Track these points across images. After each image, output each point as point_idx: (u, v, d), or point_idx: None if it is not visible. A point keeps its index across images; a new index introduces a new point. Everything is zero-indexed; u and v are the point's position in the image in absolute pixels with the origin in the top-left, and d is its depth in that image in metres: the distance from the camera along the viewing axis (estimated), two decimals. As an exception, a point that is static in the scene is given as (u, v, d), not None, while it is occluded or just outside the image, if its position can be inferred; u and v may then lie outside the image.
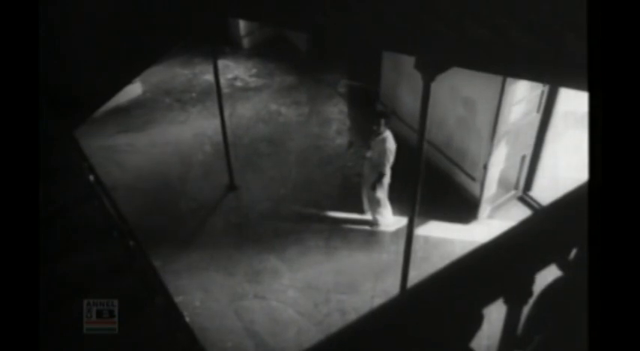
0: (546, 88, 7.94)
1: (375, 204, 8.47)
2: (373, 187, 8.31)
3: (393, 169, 8.17)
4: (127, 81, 8.37)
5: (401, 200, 8.23)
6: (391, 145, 7.99)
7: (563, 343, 3.78)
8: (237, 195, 9.11)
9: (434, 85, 5.51)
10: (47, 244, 3.11)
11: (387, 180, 8.26)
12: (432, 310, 3.14)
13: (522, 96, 7.82)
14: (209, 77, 10.26)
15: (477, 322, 3.30)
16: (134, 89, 10.34)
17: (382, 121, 8.00)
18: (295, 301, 7.90)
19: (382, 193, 8.37)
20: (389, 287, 7.82)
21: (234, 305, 7.87)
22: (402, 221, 8.24)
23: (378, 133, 8.03)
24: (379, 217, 8.58)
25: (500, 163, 8.31)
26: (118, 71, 5.97)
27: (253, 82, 10.85)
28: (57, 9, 4.80)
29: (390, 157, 8.02)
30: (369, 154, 8.32)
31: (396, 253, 8.20)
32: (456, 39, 4.52)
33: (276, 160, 9.56)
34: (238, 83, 10.81)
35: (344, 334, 3.14)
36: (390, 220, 8.64)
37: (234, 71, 11.00)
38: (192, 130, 10.02)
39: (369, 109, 9.95)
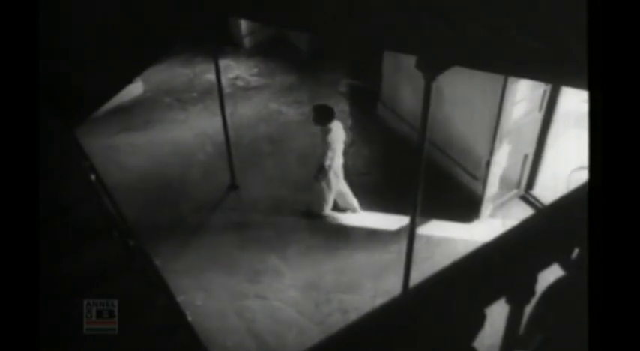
0: (548, 88, 7.93)
1: (317, 196, 8.44)
2: (315, 178, 8.26)
3: (393, 167, 8.15)
4: (128, 80, 8.38)
5: (403, 199, 8.21)
6: (332, 137, 7.96)
7: (565, 343, 3.78)
8: (238, 194, 9.11)
9: (436, 85, 5.50)
10: (47, 244, 3.11)
11: (338, 171, 8.22)
12: (434, 309, 3.14)
13: (524, 95, 7.81)
14: (210, 76, 10.26)
15: (479, 321, 3.30)
16: (135, 89, 10.34)
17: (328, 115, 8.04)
18: (296, 300, 7.90)
19: (331, 185, 8.31)
20: (390, 287, 7.81)
21: (235, 305, 7.86)
22: (404, 220, 8.23)
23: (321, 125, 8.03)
24: (326, 209, 8.60)
25: (502, 162, 8.30)
26: (119, 71, 5.97)
27: (254, 81, 10.84)
28: (57, 8, 4.80)
29: (328, 151, 7.97)
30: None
31: (397, 252, 8.19)
32: (456, 39, 4.52)
33: (277, 159, 9.55)
34: (239, 83, 10.80)
35: (345, 333, 3.14)
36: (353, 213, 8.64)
37: (235, 71, 10.99)
38: (193, 130, 10.01)
39: (370, 109, 9.96)
